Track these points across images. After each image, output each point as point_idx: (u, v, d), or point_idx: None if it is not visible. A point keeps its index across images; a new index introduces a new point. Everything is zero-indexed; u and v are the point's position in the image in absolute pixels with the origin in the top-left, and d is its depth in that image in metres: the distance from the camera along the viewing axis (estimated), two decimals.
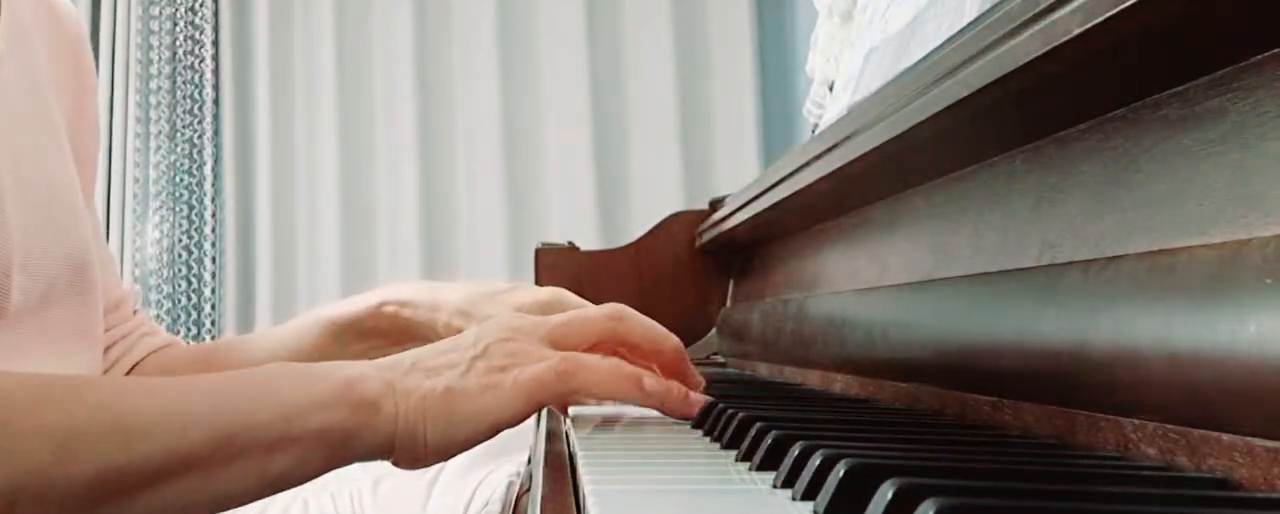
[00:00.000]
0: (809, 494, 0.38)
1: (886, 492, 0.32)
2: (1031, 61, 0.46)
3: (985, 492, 0.33)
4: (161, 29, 2.54)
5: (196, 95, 2.54)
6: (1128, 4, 0.39)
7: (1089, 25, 0.41)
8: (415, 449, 0.54)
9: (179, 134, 2.53)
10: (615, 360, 0.57)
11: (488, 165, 2.47)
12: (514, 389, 0.55)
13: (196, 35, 2.55)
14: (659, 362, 0.61)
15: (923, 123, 0.58)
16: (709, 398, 0.61)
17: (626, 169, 2.48)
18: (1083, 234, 0.50)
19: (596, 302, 1.44)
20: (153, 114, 2.53)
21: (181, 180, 2.52)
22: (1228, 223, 0.39)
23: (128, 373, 0.83)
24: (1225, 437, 0.37)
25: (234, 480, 0.49)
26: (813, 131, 1.21)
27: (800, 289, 1.00)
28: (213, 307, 2.53)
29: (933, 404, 0.63)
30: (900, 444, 0.46)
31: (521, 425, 0.57)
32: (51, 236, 0.66)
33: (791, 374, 0.96)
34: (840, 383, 0.81)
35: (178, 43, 2.55)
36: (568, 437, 0.58)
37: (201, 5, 2.55)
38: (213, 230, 2.54)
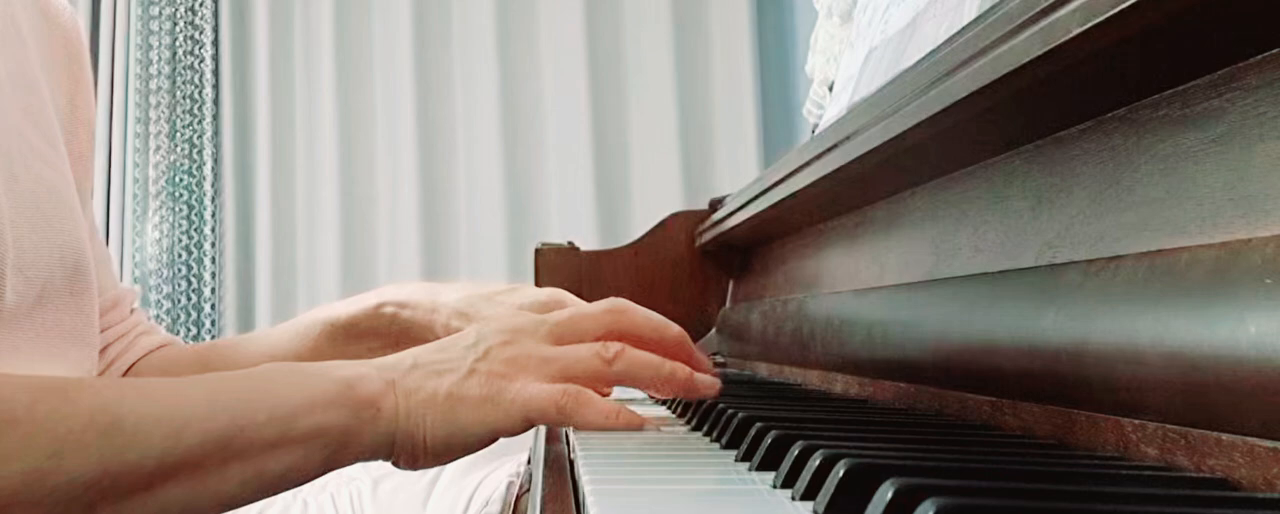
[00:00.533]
0: (809, 494, 0.38)
1: (886, 492, 0.32)
2: (1031, 61, 0.46)
3: (985, 492, 0.33)
4: (161, 29, 2.54)
5: (196, 95, 2.54)
6: (1128, 4, 0.39)
7: (1089, 25, 0.41)
8: (414, 450, 0.54)
9: (178, 134, 2.52)
10: (617, 405, 0.57)
11: (488, 165, 2.47)
12: (513, 405, 0.54)
13: (196, 35, 2.55)
14: (663, 351, 0.61)
15: (923, 123, 0.58)
16: (713, 376, 0.61)
17: (626, 169, 2.48)
18: (1082, 234, 0.50)
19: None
20: (152, 114, 2.53)
21: (181, 180, 2.52)
22: (1228, 223, 0.39)
23: (126, 372, 0.82)
24: (1225, 437, 0.37)
25: (232, 482, 0.49)
26: (812, 132, 1.21)
27: (800, 289, 1.00)
28: (212, 306, 2.53)
29: (933, 404, 0.63)
30: (900, 444, 0.46)
31: None
32: (46, 236, 0.65)
33: (791, 374, 0.96)
34: (840, 383, 0.81)
35: (177, 43, 2.55)
36: (568, 437, 0.58)
37: (201, 5, 2.55)
38: (212, 230, 2.54)
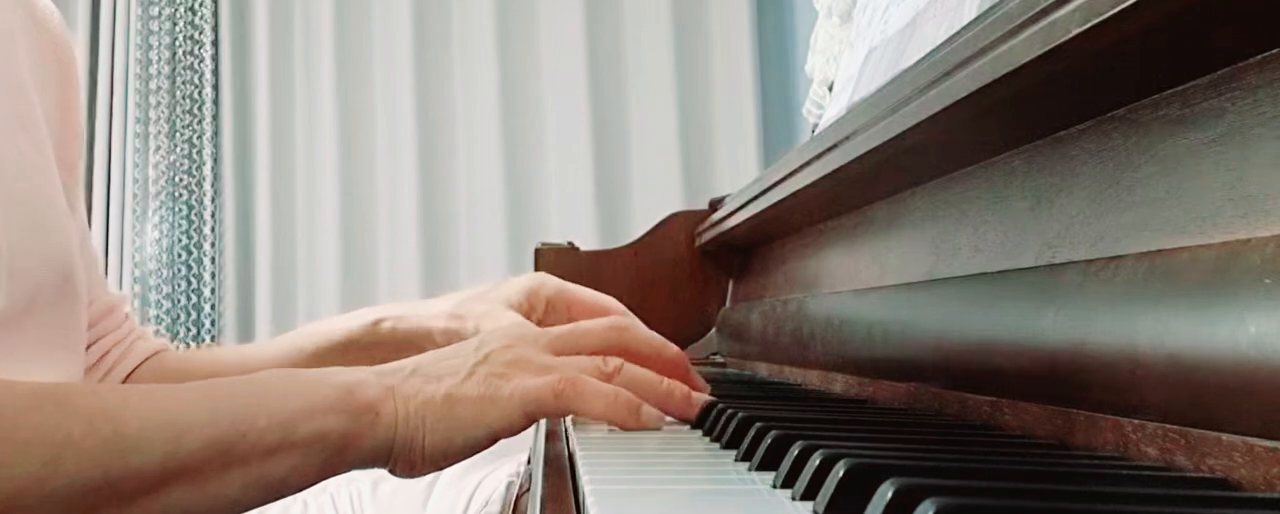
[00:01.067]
0: (808, 494, 0.38)
1: (886, 492, 0.32)
2: (1031, 61, 0.46)
3: (985, 492, 0.33)
4: (161, 29, 2.54)
5: (196, 95, 2.54)
6: (1127, 4, 0.39)
7: (1089, 25, 0.41)
8: (412, 455, 0.54)
9: (178, 134, 2.52)
10: (615, 388, 0.57)
11: (487, 165, 2.47)
12: (511, 401, 0.55)
13: (196, 35, 2.55)
14: (661, 370, 0.61)
15: (922, 123, 0.58)
16: (710, 397, 0.61)
17: (626, 169, 2.48)
18: (1082, 234, 0.50)
19: None
20: (152, 114, 2.52)
21: (181, 180, 2.52)
22: (1228, 223, 0.39)
23: (125, 379, 0.82)
24: (1225, 437, 0.37)
25: (232, 488, 0.49)
26: (812, 131, 1.21)
27: (800, 289, 1.00)
28: (212, 307, 2.53)
29: (933, 404, 0.62)
30: (900, 444, 0.46)
31: None
32: (36, 242, 0.64)
33: (791, 374, 0.96)
34: (840, 383, 0.81)
35: (177, 43, 2.55)
36: (568, 437, 0.58)
37: (201, 5, 2.55)
38: (212, 230, 2.53)
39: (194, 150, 2.53)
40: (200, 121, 2.54)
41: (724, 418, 0.55)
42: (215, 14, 2.56)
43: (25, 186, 0.65)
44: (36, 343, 0.64)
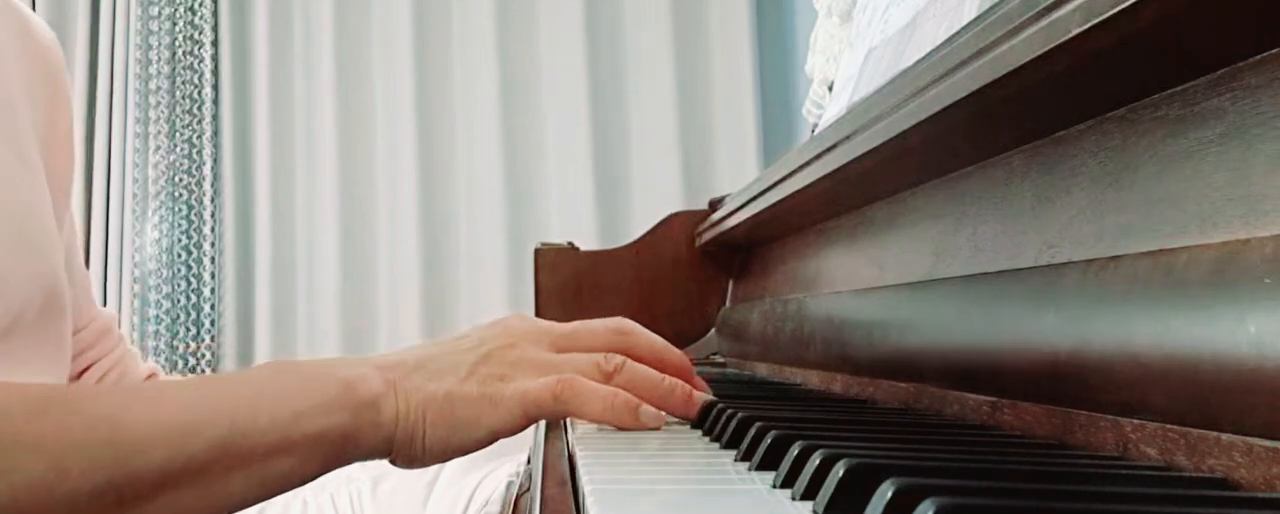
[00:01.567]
0: (808, 494, 0.38)
1: (886, 491, 0.32)
2: (1031, 61, 0.46)
3: (985, 492, 0.33)
4: (160, 29, 2.54)
5: (195, 95, 2.54)
6: (1128, 4, 0.39)
7: (1089, 25, 0.41)
8: (412, 450, 0.54)
9: (178, 134, 2.52)
10: (612, 389, 0.57)
11: (487, 165, 2.47)
12: (510, 402, 0.55)
13: (195, 35, 2.55)
14: (664, 372, 0.61)
15: (922, 123, 0.58)
16: (710, 397, 0.61)
17: (626, 169, 2.48)
18: (1082, 234, 0.50)
19: (596, 302, 1.44)
20: (152, 114, 2.52)
21: (180, 180, 2.52)
22: (1228, 223, 0.39)
23: None
24: (1225, 437, 0.37)
25: (234, 486, 0.49)
26: (812, 131, 1.21)
27: (799, 289, 1.00)
28: (212, 307, 2.53)
29: (932, 404, 0.62)
30: (900, 444, 0.46)
31: None
32: (24, 260, 0.64)
33: (791, 374, 0.96)
34: (840, 383, 0.81)
35: (177, 43, 2.55)
36: (568, 436, 0.58)
37: (201, 5, 2.55)
38: (212, 231, 2.53)
39: (194, 150, 2.53)
40: (200, 121, 2.53)
41: (724, 418, 0.55)
42: (215, 14, 2.56)
43: (12, 203, 0.64)
44: (20, 360, 0.64)
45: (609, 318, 0.63)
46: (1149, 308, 0.41)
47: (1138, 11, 0.39)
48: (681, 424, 0.61)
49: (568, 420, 0.63)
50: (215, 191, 2.54)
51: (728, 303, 1.37)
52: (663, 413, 0.58)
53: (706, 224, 1.30)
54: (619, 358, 0.58)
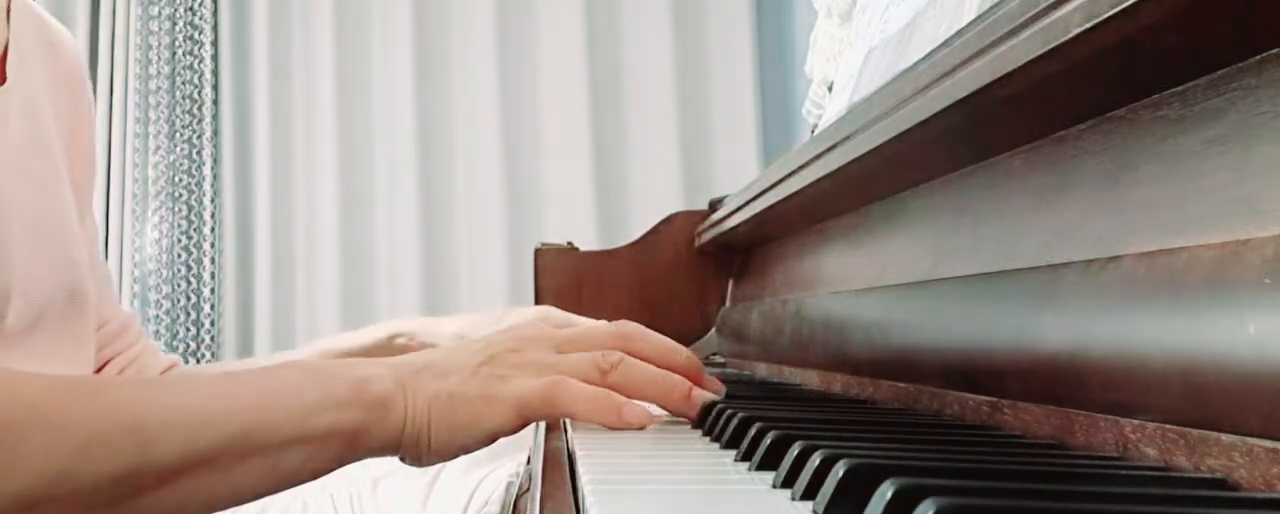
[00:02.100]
0: (808, 494, 0.38)
1: (886, 491, 0.32)
2: (1031, 61, 0.46)
3: (985, 492, 0.33)
4: (160, 29, 2.54)
5: (196, 96, 2.54)
6: (1128, 4, 0.39)
7: (1089, 25, 0.41)
8: (419, 449, 0.56)
9: (178, 134, 2.52)
10: (597, 389, 0.57)
11: (487, 165, 2.47)
12: (505, 402, 0.56)
13: (195, 35, 2.55)
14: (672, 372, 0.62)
15: (922, 123, 0.58)
16: (712, 395, 0.61)
17: (626, 169, 2.48)
18: (1082, 234, 0.50)
19: (596, 302, 1.44)
20: (152, 114, 2.52)
21: (180, 181, 2.52)
22: (1228, 223, 0.39)
23: None
24: (1225, 437, 0.37)
25: (247, 477, 0.51)
26: (812, 131, 1.21)
27: (799, 289, 1.00)
28: (212, 306, 2.53)
29: (932, 404, 0.63)
30: (900, 444, 0.46)
31: None
32: (48, 261, 0.67)
33: (791, 374, 0.96)
34: (840, 383, 0.81)
35: (177, 43, 2.54)
36: (568, 436, 0.58)
37: (201, 5, 2.54)
38: (212, 230, 2.53)
39: (194, 150, 2.53)
40: (200, 122, 2.53)
41: (724, 418, 0.55)
42: (215, 14, 2.56)
43: (39, 207, 0.68)
44: (44, 355, 0.67)
45: (616, 321, 0.64)
46: (1149, 308, 0.41)
47: (1138, 11, 0.39)
48: (682, 424, 0.61)
49: (566, 420, 0.63)
50: (215, 191, 2.54)
51: (728, 303, 1.37)
52: (648, 413, 0.58)
53: (706, 224, 1.30)
54: (616, 354, 0.59)
